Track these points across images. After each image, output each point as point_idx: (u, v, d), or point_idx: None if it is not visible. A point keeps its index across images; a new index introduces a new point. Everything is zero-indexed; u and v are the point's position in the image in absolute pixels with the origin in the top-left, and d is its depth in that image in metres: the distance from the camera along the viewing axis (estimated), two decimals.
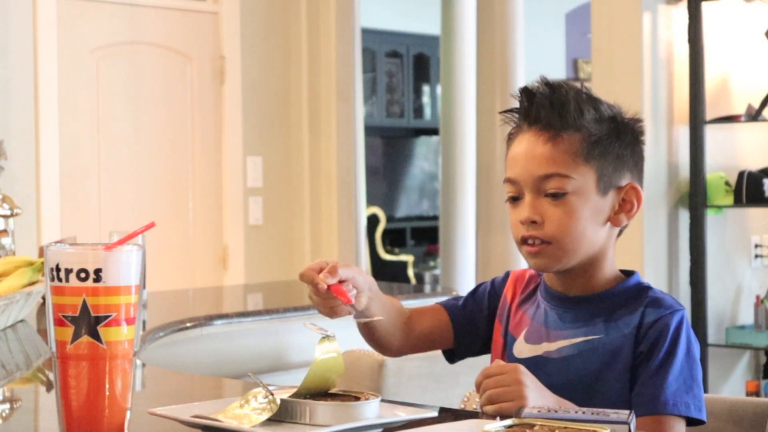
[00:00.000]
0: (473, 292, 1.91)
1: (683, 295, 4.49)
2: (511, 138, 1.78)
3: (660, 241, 4.50)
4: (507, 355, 1.81)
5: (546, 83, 1.74)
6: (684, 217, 4.54)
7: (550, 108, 1.71)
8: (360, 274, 1.70)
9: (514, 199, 1.74)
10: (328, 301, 1.66)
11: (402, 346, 1.87)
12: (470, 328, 1.88)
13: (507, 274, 1.89)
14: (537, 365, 1.72)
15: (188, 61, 5.29)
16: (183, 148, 5.27)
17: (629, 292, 1.75)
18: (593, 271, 1.75)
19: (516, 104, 1.78)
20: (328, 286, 1.64)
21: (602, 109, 1.74)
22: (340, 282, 1.66)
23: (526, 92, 1.75)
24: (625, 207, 1.74)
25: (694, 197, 4.47)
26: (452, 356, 1.92)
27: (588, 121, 1.71)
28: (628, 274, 1.79)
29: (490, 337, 1.87)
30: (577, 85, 1.76)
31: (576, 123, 1.71)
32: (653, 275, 4.43)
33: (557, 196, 1.70)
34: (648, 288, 1.75)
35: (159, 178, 5.20)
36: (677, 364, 1.67)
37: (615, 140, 1.73)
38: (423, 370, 2.79)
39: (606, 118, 1.74)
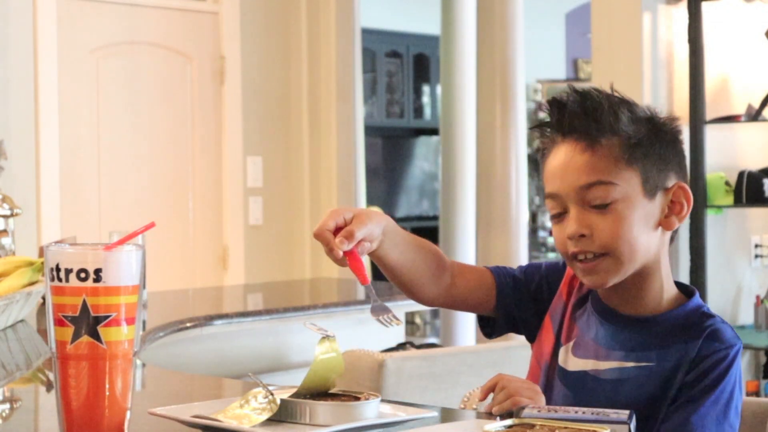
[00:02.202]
0: (524, 269, 1.81)
1: None
2: (545, 153, 1.70)
3: None
4: (553, 360, 1.73)
5: (575, 91, 1.67)
6: None
7: (584, 115, 1.65)
8: (377, 224, 1.61)
9: (558, 215, 1.66)
10: (341, 261, 1.58)
11: (436, 296, 1.76)
12: (515, 300, 1.78)
13: (564, 266, 1.76)
14: (582, 381, 1.68)
15: (188, 61, 5.29)
16: (183, 148, 5.27)
17: (689, 318, 1.67)
18: (648, 284, 1.68)
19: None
20: (344, 254, 1.56)
21: (637, 110, 1.68)
22: (357, 243, 1.57)
23: (556, 103, 1.68)
24: (674, 209, 1.68)
25: (694, 197, 4.46)
26: (491, 330, 1.82)
27: (625, 124, 1.64)
28: (684, 290, 1.72)
29: (528, 319, 1.79)
30: (607, 89, 1.70)
31: (613, 127, 1.64)
32: None
33: (603, 206, 1.62)
34: (709, 315, 1.67)
35: (159, 178, 5.19)
36: (714, 398, 1.60)
37: (655, 140, 1.66)
38: (423, 370, 2.78)
39: (642, 119, 1.67)
